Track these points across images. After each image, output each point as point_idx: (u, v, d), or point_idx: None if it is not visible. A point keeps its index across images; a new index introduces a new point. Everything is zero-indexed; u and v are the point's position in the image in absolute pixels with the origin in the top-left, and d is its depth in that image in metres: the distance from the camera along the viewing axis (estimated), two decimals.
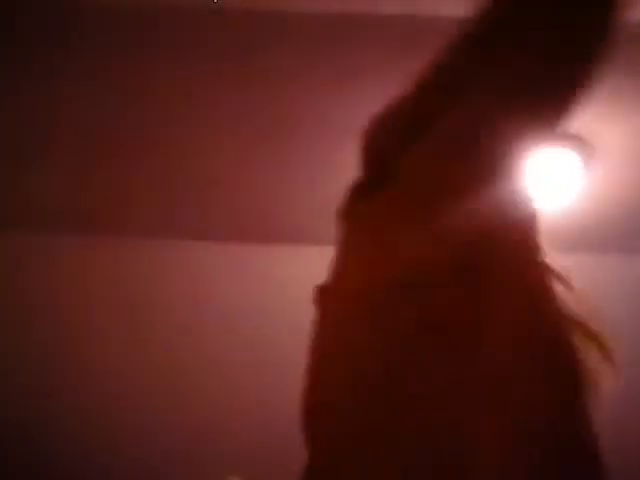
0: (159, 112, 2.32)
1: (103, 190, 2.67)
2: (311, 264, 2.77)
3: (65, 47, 2.07)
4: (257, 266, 2.81)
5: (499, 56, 0.89)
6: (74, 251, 2.83)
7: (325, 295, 0.92)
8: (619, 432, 2.79)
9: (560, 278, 1.00)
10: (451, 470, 0.78)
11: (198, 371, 2.77)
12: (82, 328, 2.81)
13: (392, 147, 0.95)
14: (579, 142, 2.37)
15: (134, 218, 2.78)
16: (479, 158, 0.83)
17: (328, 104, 2.26)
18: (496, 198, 0.83)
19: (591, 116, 2.26)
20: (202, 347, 2.78)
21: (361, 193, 0.94)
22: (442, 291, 0.81)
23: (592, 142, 2.37)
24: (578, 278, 2.74)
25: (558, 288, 0.95)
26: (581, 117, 2.27)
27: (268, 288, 2.78)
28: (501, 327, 0.80)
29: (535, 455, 0.78)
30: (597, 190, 2.53)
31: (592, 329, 1.00)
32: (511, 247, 0.85)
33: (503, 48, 0.90)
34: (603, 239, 2.74)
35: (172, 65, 2.14)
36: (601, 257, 2.78)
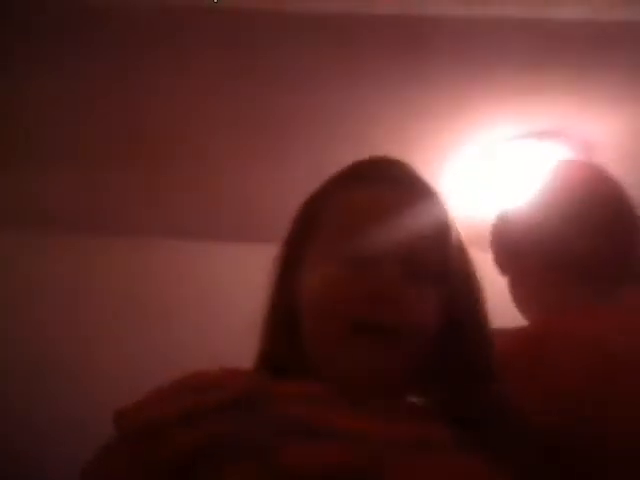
0: (158, 112, 2.32)
1: (103, 190, 2.67)
2: None
3: (65, 47, 2.07)
4: (257, 265, 2.80)
5: None
6: (74, 251, 2.83)
7: None
8: None
9: None
10: None
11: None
12: (82, 328, 2.81)
13: None
14: (576, 141, 2.37)
15: (134, 218, 2.78)
16: None
17: (328, 104, 2.26)
18: None
19: (595, 115, 2.26)
20: (203, 347, 2.77)
21: None
22: None
23: (590, 142, 2.37)
24: None
25: None
26: (580, 117, 2.27)
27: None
28: None
29: None
30: None
31: None
32: None
33: None
34: None
35: (171, 65, 2.14)
36: None
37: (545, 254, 1.29)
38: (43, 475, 2.53)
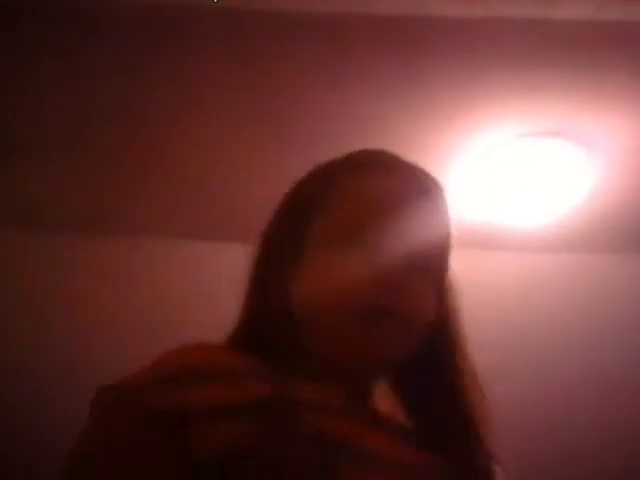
0: (158, 112, 2.32)
1: (103, 190, 2.66)
2: None
3: (64, 47, 2.07)
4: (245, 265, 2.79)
5: None
6: (74, 251, 2.83)
7: None
8: (623, 430, 2.78)
9: None
10: None
11: None
12: (81, 328, 2.81)
13: None
14: (577, 141, 2.37)
15: (133, 218, 2.78)
16: None
17: (327, 104, 2.26)
18: None
19: (595, 115, 2.26)
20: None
21: None
22: None
23: (597, 141, 2.37)
24: (586, 278, 2.75)
25: None
26: (585, 116, 2.27)
27: None
28: None
29: None
30: (603, 190, 2.52)
31: None
32: None
33: None
34: (610, 238, 2.73)
35: (170, 65, 2.14)
36: (607, 256, 2.77)
37: None
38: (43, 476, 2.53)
